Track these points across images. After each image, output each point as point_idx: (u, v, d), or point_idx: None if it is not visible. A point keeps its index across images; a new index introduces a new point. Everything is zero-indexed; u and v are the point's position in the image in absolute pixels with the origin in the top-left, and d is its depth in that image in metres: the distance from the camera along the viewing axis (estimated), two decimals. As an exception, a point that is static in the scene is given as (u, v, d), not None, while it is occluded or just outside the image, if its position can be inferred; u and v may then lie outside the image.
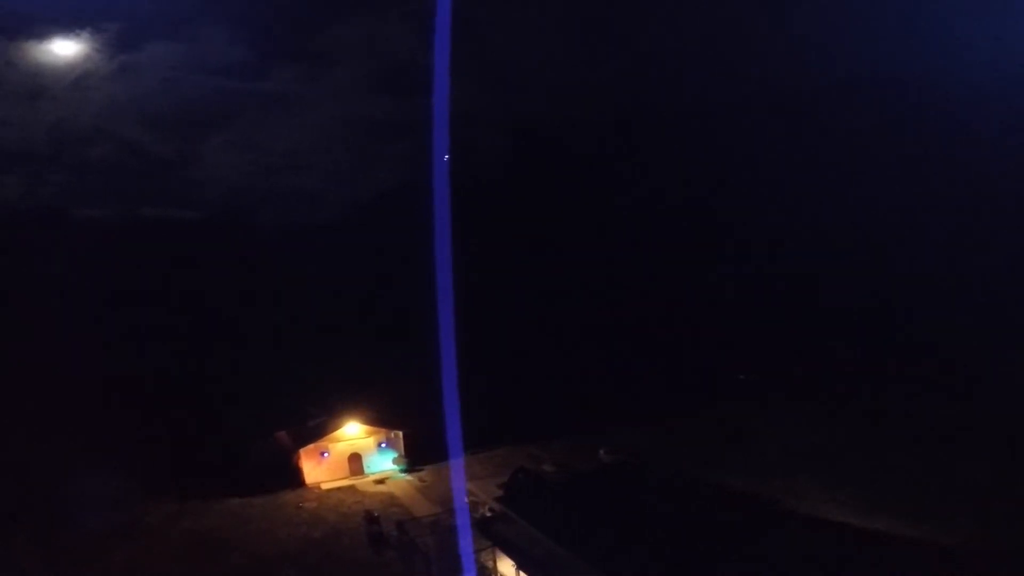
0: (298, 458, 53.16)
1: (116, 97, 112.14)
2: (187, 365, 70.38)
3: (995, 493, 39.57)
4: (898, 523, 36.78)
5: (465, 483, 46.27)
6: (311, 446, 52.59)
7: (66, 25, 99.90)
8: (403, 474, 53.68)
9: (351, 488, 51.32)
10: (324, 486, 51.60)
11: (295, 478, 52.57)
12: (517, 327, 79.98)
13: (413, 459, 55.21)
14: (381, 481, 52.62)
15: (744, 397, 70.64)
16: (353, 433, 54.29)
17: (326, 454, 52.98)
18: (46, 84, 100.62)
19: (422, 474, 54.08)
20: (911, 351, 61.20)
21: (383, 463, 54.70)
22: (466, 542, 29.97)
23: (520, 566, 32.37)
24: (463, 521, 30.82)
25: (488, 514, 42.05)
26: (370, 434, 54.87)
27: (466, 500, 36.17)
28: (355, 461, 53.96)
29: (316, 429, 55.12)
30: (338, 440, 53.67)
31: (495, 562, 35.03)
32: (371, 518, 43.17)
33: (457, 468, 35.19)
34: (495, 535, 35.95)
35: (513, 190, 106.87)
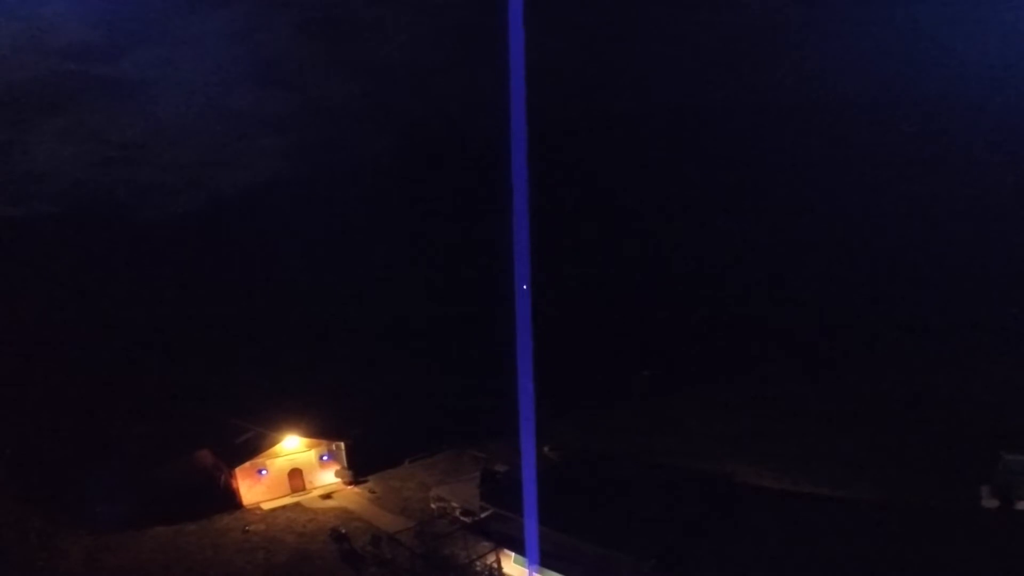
0: (231, 477, 48.45)
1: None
2: (62, 381, 60.05)
3: (871, 458, 47.50)
4: (818, 487, 42.81)
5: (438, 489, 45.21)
6: (247, 464, 48.12)
7: None
8: (349, 486, 51.15)
9: (296, 506, 47.82)
10: (265, 506, 47.54)
11: (228, 500, 47.89)
12: (433, 331, 79.23)
13: (356, 470, 52.82)
14: (328, 496, 49.65)
15: (648, 393, 76.17)
16: (292, 447, 50.61)
17: (264, 471, 48.83)
18: None
19: (368, 485, 51.93)
20: (798, 343, 70.21)
21: (326, 477, 51.65)
22: (532, 541, 29.50)
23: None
24: (530, 524, 29.86)
25: (465, 519, 41.88)
26: (310, 447, 51.47)
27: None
28: (296, 477, 50.32)
29: (248, 445, 50.48)
30: (276, 456, 49.71)
31: (499, 563, 35.14)
32: (339, 535, 40.98)
33: (528, 456, 33.82)
34: (495, 536, 35.93)
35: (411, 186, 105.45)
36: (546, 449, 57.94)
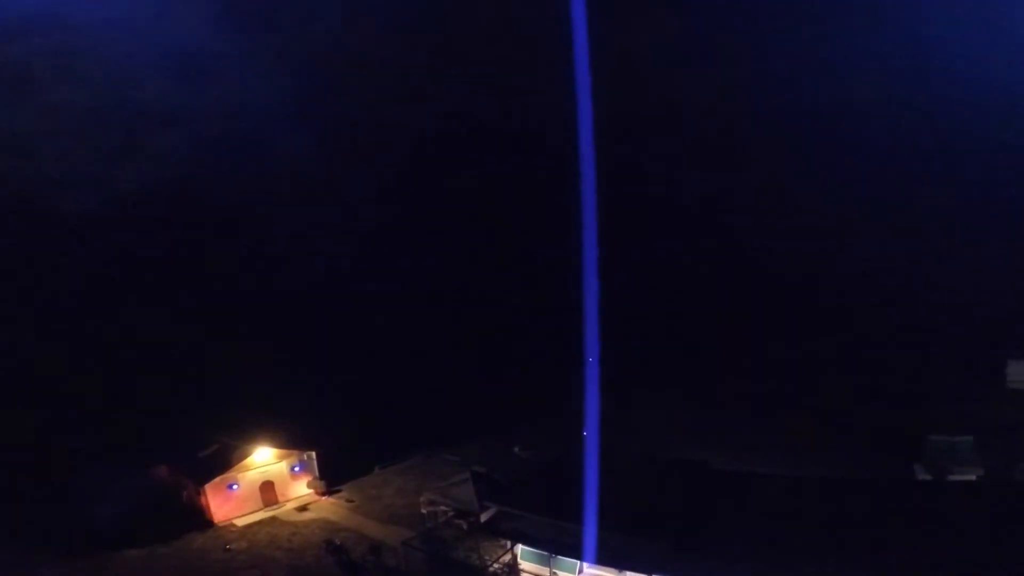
0: (198, 494, 45.34)
1: None
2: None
3: (820, 444, 52.88)
4: (775, 467, 46.88)
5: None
6: (218, 479, 45.19)
7: None
8: (323, 497, 49.43)
9: (273, 520, 45.64)
10: (239, 522, 44.99)
11: (197, 517, 44.78)
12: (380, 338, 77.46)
13: (328, 480, 51.08)
14: (303, 508, 47.72)
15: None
16: (263, 459, 48.16)
17: (235, 486, 46.10)
18: None
19: (343, 494, 50.44)
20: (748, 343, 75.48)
21: (299, 489, 49.60)
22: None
23: (554, 553, 33.94)
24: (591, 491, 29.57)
25: (460, 521, 42.00)
26: (281, 458, 49.23)
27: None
28: (268, 490, 47.93)
29: (215, 459, 47.48)
30: (247, 469, 47.09)
31: (515, 560, 35.80)
32: (335, 547, 39.75)
33: (592, 456, 33.58)
34: (509, 533, 36.47)
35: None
36: (517, 449, 59.12)
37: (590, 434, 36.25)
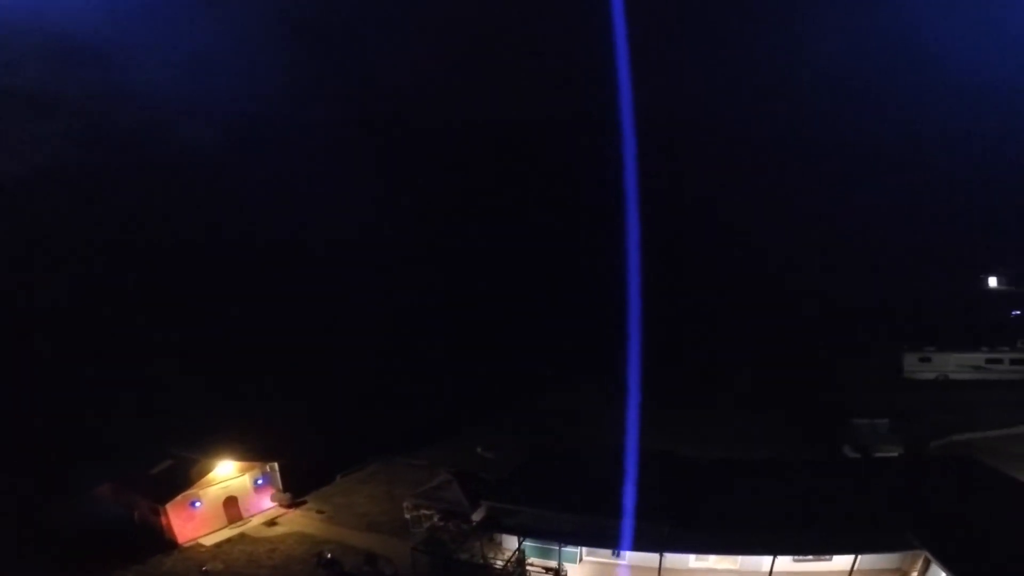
0: (155, 513, 41.61)
1: None
2: None
3: (757, 431, 58.24)
4: (726, 452, 51.17)
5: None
6: (180, 497, 41.67)
7: None
8: (290, 510, 47.07)
9: (243, 537, 42.82)
10: (205, 541, 41.82)
11: (155, 539, 41.05)
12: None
13: (292, 492, 48.69)
14: (272, 523, 45.18)
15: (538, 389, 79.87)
16: (225, 473, 45.04)
17: (197, 503, 42.76)
18: None
19: (309, 506, 48.27)
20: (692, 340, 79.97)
21: (263, 503, 46.84)
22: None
23: (561, 544, 35.11)
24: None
25: (445, 522, 41.91)
26: (243, 471, 46.29)
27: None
28: (232, 506, 44.89)
29: (172, 475, 43.76)
30: (209, 484, 43.83)
31: (523, 554, 36.46)
32: (328, 561, 38.22)
33: (631, 454, 33.55)
34: (513, 530, 36.97)
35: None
36: (480, 450, 59.50)
37: (630, 426, 37.62)
